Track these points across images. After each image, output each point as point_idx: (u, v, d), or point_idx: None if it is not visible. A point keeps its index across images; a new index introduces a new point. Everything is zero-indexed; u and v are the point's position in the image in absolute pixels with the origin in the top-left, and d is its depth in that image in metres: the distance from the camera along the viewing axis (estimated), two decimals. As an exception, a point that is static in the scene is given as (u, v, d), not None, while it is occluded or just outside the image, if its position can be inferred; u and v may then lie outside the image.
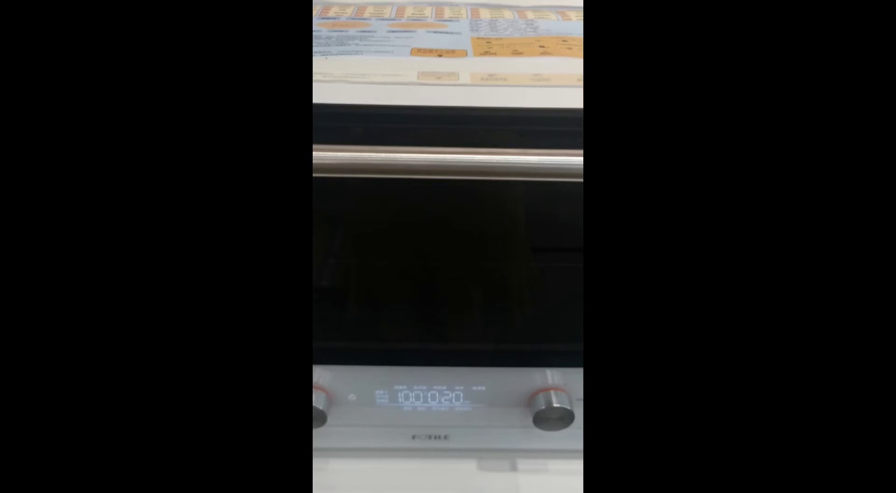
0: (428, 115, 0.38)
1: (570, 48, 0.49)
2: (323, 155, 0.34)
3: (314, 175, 0.33)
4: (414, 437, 0.58)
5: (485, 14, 0.60)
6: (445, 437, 0.58)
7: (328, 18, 0.56)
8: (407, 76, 0.43)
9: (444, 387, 0.53)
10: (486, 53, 0.48)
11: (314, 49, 0.47)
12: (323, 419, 0.52)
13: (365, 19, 0.56)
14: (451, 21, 0.56)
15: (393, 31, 0.52)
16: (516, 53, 0.48)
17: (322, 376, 0.52)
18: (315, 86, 0.40)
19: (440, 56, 0.47)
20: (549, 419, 0.53)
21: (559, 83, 0.43)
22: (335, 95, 0.39)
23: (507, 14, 0.60)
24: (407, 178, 0.34)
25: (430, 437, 0.58)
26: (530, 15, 0.60)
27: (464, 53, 0.48)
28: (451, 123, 0.37)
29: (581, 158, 0.33)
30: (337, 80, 0.41)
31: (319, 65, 0.44)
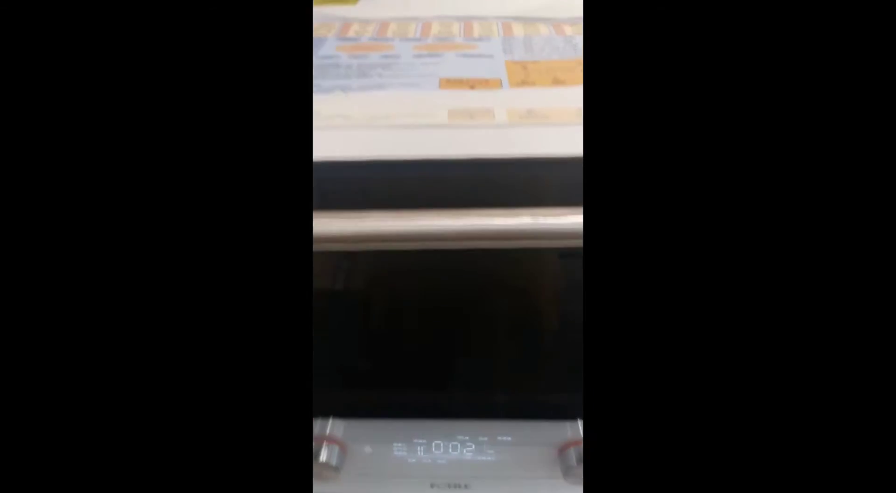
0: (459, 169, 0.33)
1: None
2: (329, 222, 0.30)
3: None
4: (433, 485, 0.54)
5: (518, 30, 0.55)
6: (466, 486, 0.54)
7: (348, 40, 0.51)
8: (436, 117, 0.38)
9: (467, 438, 0.49)
10: (523, 83, 0.43)
11: (333, 82, 0.42)
12: (337, 474, 0.48)
13: (387, 40, 0.51)
14: (481, 40, 0.51)
15: (419, 56, 0.47)
16: (557, 82, 0.43)
17: (336, 427, 0.48)
18: (333, 133, 0.36)
19: (472, 88, 0.42)
20: (581, 475, 0.49)
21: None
22: (350, 146, 0.34)
23: (543, 29, 0.55)
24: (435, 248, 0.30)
25: (450, 486, 0.54)
26: (568, 30, 0.55)
27: (498, 83, 0.43)
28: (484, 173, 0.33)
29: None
30: (356, 126, 0.37)
31: (339, 104, 0.39)
